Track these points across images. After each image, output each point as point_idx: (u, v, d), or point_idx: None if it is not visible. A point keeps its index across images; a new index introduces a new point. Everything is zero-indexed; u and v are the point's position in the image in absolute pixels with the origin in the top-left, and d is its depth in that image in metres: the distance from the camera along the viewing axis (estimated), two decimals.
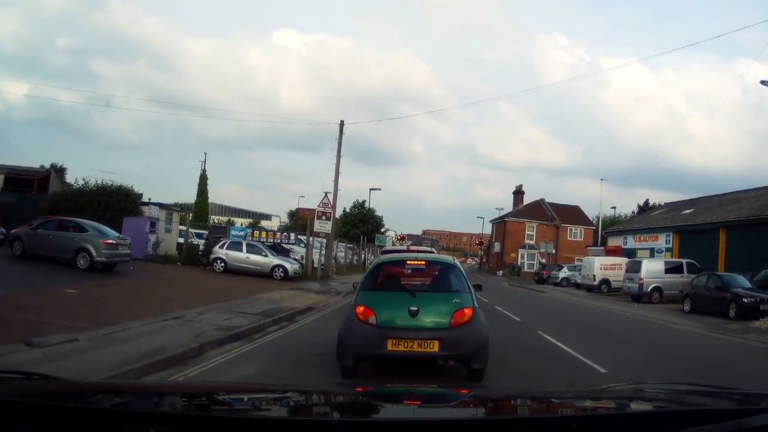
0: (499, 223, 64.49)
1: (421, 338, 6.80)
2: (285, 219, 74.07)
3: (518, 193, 66.30)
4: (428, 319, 6.91)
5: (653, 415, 1.92)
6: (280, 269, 23.58)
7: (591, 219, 59.92)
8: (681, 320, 17.68)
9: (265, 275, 23.20)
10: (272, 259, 23.91)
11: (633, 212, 62.53)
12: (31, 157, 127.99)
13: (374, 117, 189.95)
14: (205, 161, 52.97)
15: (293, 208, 72.91)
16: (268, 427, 1.61)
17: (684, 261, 26.11)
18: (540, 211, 60.70)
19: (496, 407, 2.23)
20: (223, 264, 23.51)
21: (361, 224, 57.34)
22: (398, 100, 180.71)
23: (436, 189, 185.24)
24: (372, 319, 6.90)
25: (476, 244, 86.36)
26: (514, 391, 3.19)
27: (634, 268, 26.40)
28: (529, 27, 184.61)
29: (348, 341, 7.02)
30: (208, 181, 48.68)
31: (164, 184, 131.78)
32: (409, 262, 8.84)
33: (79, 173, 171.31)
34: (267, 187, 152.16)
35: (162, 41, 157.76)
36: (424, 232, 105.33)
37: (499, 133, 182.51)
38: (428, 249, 23.74)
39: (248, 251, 23.93)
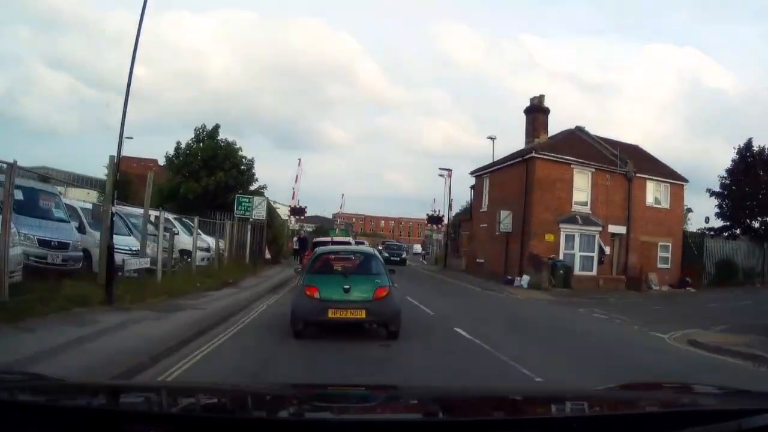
0: (509, 167, 28.70)
1: (352, 308, 9.08)
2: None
3: (537, 110, 29.14)
4: (357, 295, 9.15)
5: (653, 415, 1.92)
6: None
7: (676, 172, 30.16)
8: None
9: None
10: None
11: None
12: None
13: (299, 95, 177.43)
14: None
15: None
16: (269, 426, 1.61)
17: None
18: (585, 147, 27.87)
19: (496, 407, 2.23)
20: None
21: (215, 167, 27.48)
22: (326, 80, 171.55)
23: (355, 174, 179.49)
24: (316, 295, 9.09)
25: (430, 218, 46.45)
26: (513, 391, 3.19)
27: None
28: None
29: (298, 311, 9.20)
30: None
31: None
32: (341, 252, 11.60)
33: None
34: None
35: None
36: (336, 216, 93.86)
37: (421, 119, 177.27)
38: (346, 240, 29.06)
39: None
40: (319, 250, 11.87)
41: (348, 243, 17.33)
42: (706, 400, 2.26)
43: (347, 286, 9.13)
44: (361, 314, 9.05)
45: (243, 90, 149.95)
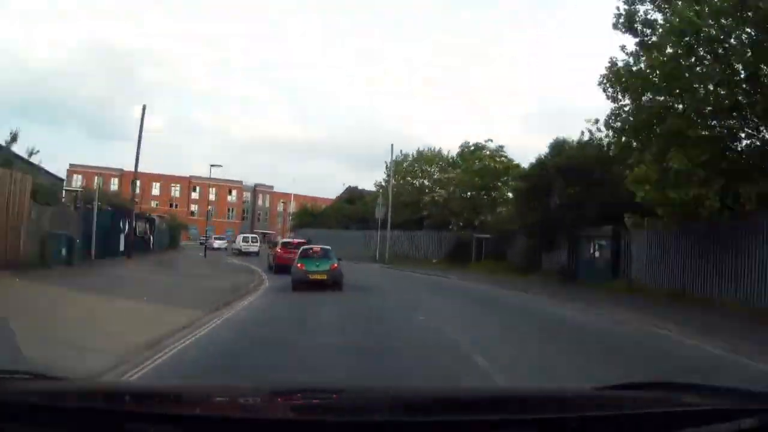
0: None
1: (319, 273, 17.34)
2: None
3: None
4: (322, 268, 17.54)
5: (653, 415, 1.92)
6: None
7: None
8: None
9: None
10: None
11: None
12: None
13: (112, 79, 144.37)
14: None
15: None
16: (271, 426, 1.61)
17: None
18: None
19: (496, 407, 2.22)
20: None
21: None
22: (142, 64, 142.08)
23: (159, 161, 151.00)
24: (303, 268, 17.54)
25: None
26: (513, 391, 3.19)
27: None
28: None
29: (294, 276, 17.65)
30: None
31: None
32: (313, 248, 20.12)
33: None
34: None
35: None
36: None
37: (239, 109, 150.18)
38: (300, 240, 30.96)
39: None
40: (304, 247, 20.89)
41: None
42: (705, 399, 2.26)
43: (317, 263, 17.82)
44: (324, 276, 17.34)
45: (54, 71, 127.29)
